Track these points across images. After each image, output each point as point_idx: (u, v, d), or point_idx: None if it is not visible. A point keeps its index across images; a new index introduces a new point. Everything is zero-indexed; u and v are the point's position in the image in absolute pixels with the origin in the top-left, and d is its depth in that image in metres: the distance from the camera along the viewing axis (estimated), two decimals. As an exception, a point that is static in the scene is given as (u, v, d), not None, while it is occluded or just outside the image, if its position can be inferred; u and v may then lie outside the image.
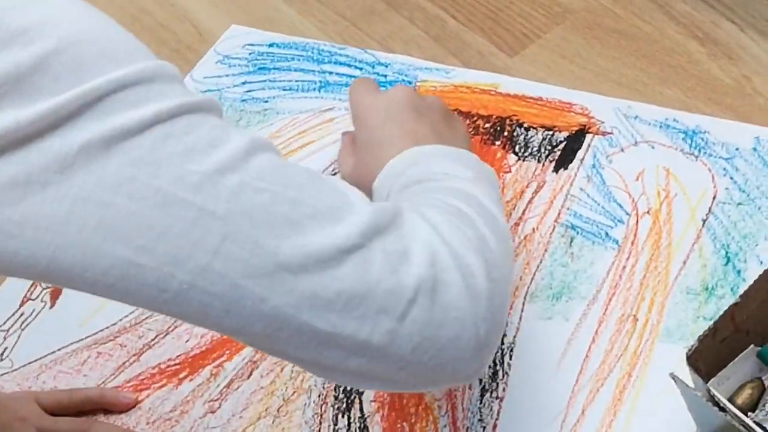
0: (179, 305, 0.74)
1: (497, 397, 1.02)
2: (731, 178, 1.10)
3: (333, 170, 1.22)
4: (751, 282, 0.90)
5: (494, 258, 0.83)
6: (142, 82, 0.74)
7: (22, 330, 1.17)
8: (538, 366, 1.03)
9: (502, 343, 1.05)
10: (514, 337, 1.05)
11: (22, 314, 1.18)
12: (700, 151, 1.13)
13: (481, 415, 1.01)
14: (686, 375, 0.86)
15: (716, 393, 0.85)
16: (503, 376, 1.03)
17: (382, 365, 0.78)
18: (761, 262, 1.04)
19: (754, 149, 1.12)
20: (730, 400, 0.88)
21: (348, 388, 1.06)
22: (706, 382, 0.86)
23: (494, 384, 1.02)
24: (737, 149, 1.12)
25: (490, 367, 1.04)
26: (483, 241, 0.83)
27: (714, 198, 1.09)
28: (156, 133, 0.72)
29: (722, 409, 0.84)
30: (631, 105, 1.19)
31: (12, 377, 1.13)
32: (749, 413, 0.87)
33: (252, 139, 0.76)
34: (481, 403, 1.02)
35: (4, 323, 1.18)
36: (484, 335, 0.79)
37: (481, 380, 1.03)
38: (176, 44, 1.42)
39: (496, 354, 1.04)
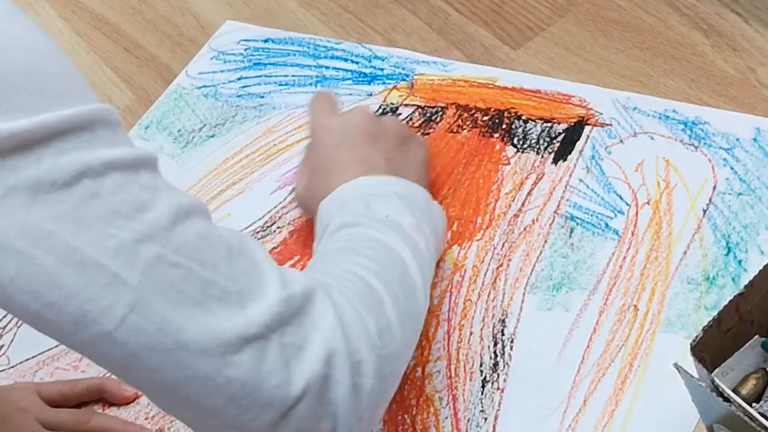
0: (79, 351, 0.76)
1: (498, 388, 1.01)
2: (731, 168, 1.10)
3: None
4: (756, 272, 0.89)
5: (391, 351, 0.85)
6: (78, 128, 0.72)
7: (18, 327, 1.17)
8: (539, 357, 1.02)
9: (503, 334, 1.04)
10: (515, 328, 1.05)
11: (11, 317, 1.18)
12: (699, 141, 1.13)
13: (482, 406, 1.01)
14: (690, 365, 0.85)
15: (720, 384, 0.85)
16: (504, 367, 1.02)
17: None
18: (762, 252, 1.04)
19: (754, 139, 1.12)
20: (735, 390, 0.87)
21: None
22: (711, 373, 0.85)
23: (495, 375, 1.02)
24: (737, 139, 1.12)
25: (491, 358, 1.03)
26: (383, 333, 0.84)
27: (714, 188, 1.09)
28: (83, 189, 0.71)
29: (726, 399, 0.84)
30: (630, 96, 1.19)
31: (8, 375, 1.13)
32: (754, 404, 0.87)
33: (180, 205, 0.75)
34: (482, 394, 1.01)
35: (0, 321, 1.17)
36: (356, 429, 0.82)
37: (482, 371, 1.02)
38: (178, 37, 1.42)
39: (497, 345, 1.04)
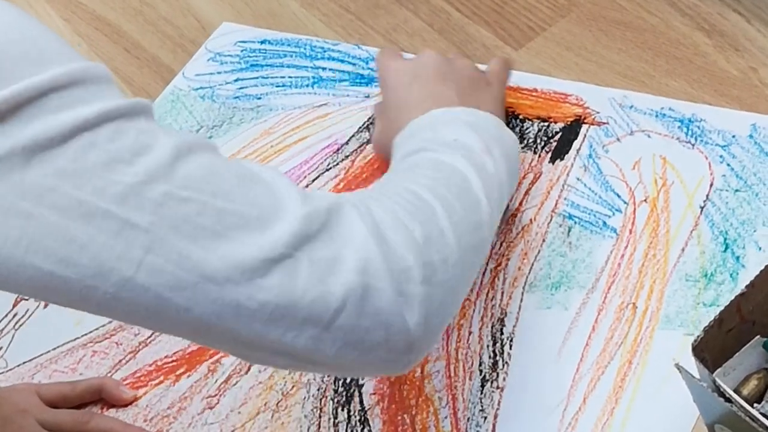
0: (104, 311, 0.75)
1: (498, 387, 1.01)
2: (728, 165, 1.10)
3: (328, 165, 1.22)
4: (758, 273, 0.88)
5: (445, 258, 0.82)
6: (67, 86, 0.72)
7: (16, 330, 1.17)
8: (538, 355, 1.02)
9: (502, 334, 1.04)
10: (514, 327, 1.05)
11: (15, 314, 1.18)
12: (696, 139, 1.13)
13: (482, 406, 1.00)
14: (691, 365, 0.85)
15: (722, 384, 0.84)
16: (503, 366, 1.02)
17: (308, 365, 0.80)
18: (760, 248, 1.04)
19: (750, 136, 1.11)
20: (736, 390, 0.87)
21: (347, 381, 1.05)
22: (712, 373, 0.85)
23: (494, 374, 1.02)
24: (734, 136, 1.12)
25: (490, 357, 1.03)
26: (433, 240, 0.82)
27: (711, 185, 1.09)
28: (79, 141, 0.71)
29: (728, 399, 0.83)
30: (626, 95, 1.18)
31: (6, 377, 1.13)
32: (755, 404, 0.87)
33: (180, 141, 0.74)
34: (481, 393, 1.01)
35: (-1, 323, 1.17)
36: (415, 340, 0.79)
37: (481, 371, 1.02)
38: (179, 38, 1.42)
39: (496, 344, 1.04)
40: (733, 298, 0.88)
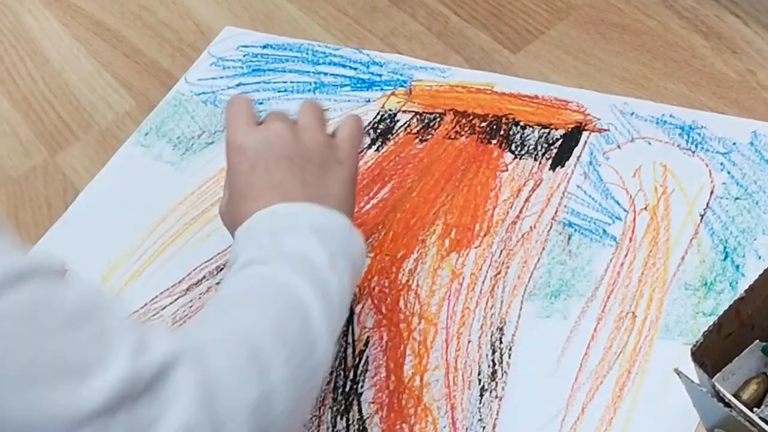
0: None
1: (497, 397, 1.01)
2: (728, 173, 1.09)
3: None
4: (756, 277, 0.88)
5: (278, 415, 0.78)
6: None
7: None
8: (537, 365, 1.02)
9: (501, 342, 1.03)
10: (513, 336, 1.04)
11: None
12: (697, 146, 1.12)
13: (480, 415, 1.00)
14: (691, 371, 0.85)
15: (721, 389, 0.84)
16: (502, 376, 1.02)
17: None
18: (760, 257, 1.03)
19: (751, 143, 1.11)
20: (736, 395, 0.87)
21: (347, 389, 1.04)
22: (711, 378, 0.85)
23: (493, 383, 1.01)
24: (734, 144, 1.11)
25: (489, 366, 1.02)
26: (266, 399, 0.77)
27: (711, 193, 1.08)
28: None
29: (727, 404, 0.83)
30: (627, 101, 1.18)
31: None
32: (755, 408, 0.86)
33: (14, 267, 0.68)
34: (480, 402, 1.00)
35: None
36: None
37: (480, 380, 1.02)
38: (178, 42, 1.42)
39: (495, 353, 1.03)
40: (731, 302, 0.87)
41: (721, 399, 0.83)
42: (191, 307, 1.13)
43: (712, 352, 0.86)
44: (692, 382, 0.84)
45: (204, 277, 1.16)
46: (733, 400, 0.84)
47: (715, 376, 0.87)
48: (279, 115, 1.04)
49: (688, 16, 1.27)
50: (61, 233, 1.23)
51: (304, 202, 0.96)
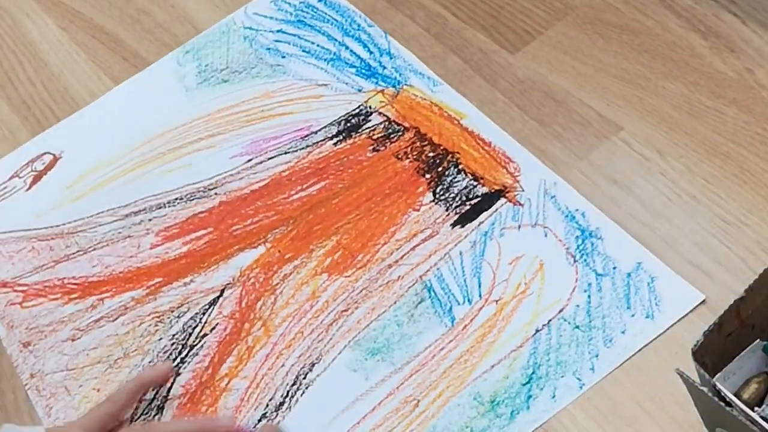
0: None
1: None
2: (588, 296, 1.04)
3: (288, 149, 1.25)
4: (756, 276, 0.86)
5: None
6: None
7: (1, 200, 1.30)
8: (315, 414, 1.04)
9: (305, 378, 1.07)
10: (318, 376, 1.06)
11: (5, 187, 1.31)
12: (581, 256, 1.07)
13: None
14: (692, 370, 0.84)
15: (722, 388, 0.83)
16: (286, 410, 1.05)
17: None
18: (553, 397, 1.00)
19: (629, 274, 1.05)
20: (737, 395, 0.86)
21: (173, 366, 1.12)
22: (712, 377, 0.84)
23: (275, 414, 1.05)
24: (614, 268, 1.06)
25: (282, 395, 1.06)
26: None
27: (561, 311, 1.04)
28: None
29: (728, 404, 0.82)
30: (557, 182, 1.13)
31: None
32: (756, 408, 0.85)
33: None
34: (254, 428, 1.05)
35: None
36: None
37: (267, 405, 1.06)
38: (176, 45, 1.41)
39: (293, 386, 1.07)
40: (732, 302, 0.85)
41: (722, 398, 0.82)
42: (119, 233, 1.24)
43: (713, 351, 0.85)
44: (693, 381, 0.82)
45: (143, 209, 1.24)
46: (734, 399, 0.82)
47: (716, 376, 0.86)
48: None
49: (686, 15, 1.21)
50: (68, 127, 1.35)
51: None
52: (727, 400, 0.79)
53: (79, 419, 1.04)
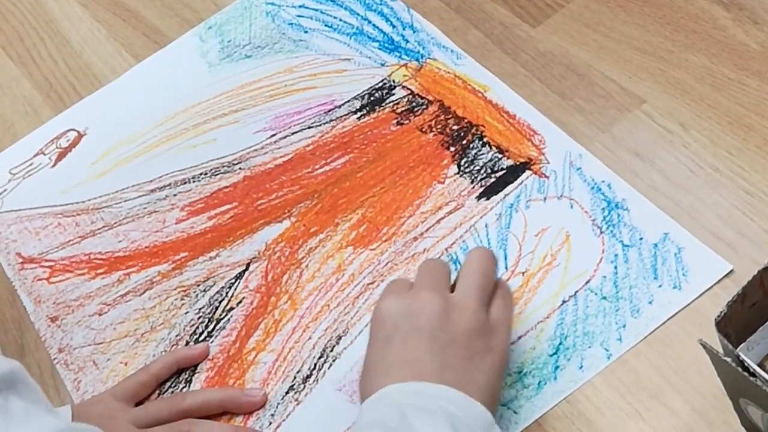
0: None
1: (296, 401, 1.01)
2: (615, 267, 1.02)
3: (312, 123, 1.22)
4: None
5: None
6: None
7: (24, 179, 1.28)
8: (340, 389, 1.01)
9: (332, 351, 1.04)
10: (345, 348, 1.04)
11: (31, 164, 1.29)
12: (607, 227, 1.05)
13: (274, 411, 1.01)
14: (715, 342, 0.81)
15: (746, 358, 0.80)
16: (313, 384, 1.02)
17: None
18: (581, 367, 0.98)
19: (655, 245, 1.03)
20: (760, 365, 0.84)
21: (200, 340, 1.10)
22: (736, 348, 0.81)
23: (302, 386, 1.02)
24: (641, 239, 1.04)
25: (309, 368, 1.04)
26: None
27: (587, 282, 1.02)
28: None
29: (752, 374, 0.80)
30: (582, 154, 1.11)
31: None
32: None
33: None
34: (282, 399, 1.02)
35: (16, 167, 1.30)
36: None
37: (294, 378, 1.04)
38: (197, 22, 1.38)
39: (320, 358, 1.04)
40: (755, 273, 0.83)
41: (745, 369, 0.80)
42: (145, 208, 1.22)
43: (736, 322, 0.83)
44: (717, 352, 0.80)
45: (168, 184, 1.22)
46: (758, 369, 0.80)
47: (740, 346, 0.83)
48: (434, 277, 0.92)
49: (708, -14, 1.17)
50: (92, 104, 1.33)
51: (441, 384, 0.83)
52: (751, 370, 0.77)
53: (110, 389, 1.03)
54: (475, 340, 0.88)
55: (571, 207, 1.06)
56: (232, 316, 1.08)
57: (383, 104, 1.19)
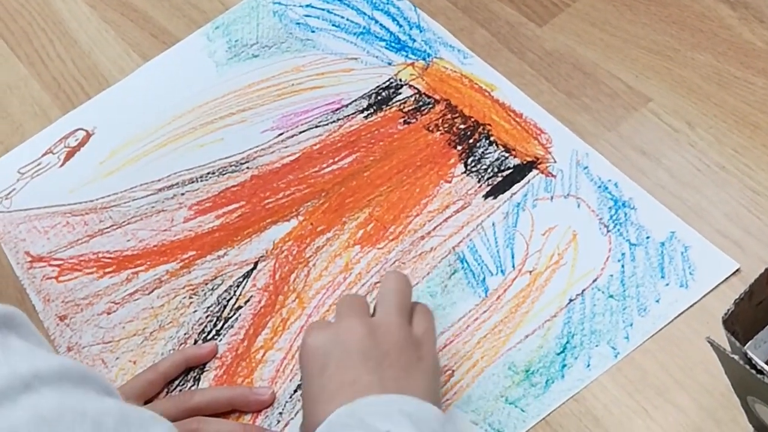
0: None
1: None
2: (622, 266, 1.02)
3: (318, 122, 1.23)
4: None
5: None
6: None
7: (33, 178, 1.28)
8: None
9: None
10: None
11: (39, 164, 1.29)
12: (614, 226, 1.05)
13: (283, 409, 1.02)
14: (722, 340, 0.81)
15: (753, 356, 0.80)
16: None
17: None
18: (588, 366, 0.98)
19: (662, 243, 1.03)
20: None
21: (208, 338, 1.10)
22: (743, 346, 0.81)
23: None
24: (648, 237, 1.03)
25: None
26: None
27: (594, 281, 1.02)
28: None
29: (760, 371, 0.80)
30: (589, 153, 1.11)
31: (0, 218, 1.25)
32: None
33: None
34: (290, 398, 1.02)
35: (24, 167, 1.29)
36: None
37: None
38: (205, 22, 1.37)
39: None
40: (762, 270, 0.83)
41: (753, 366, 0.80)
42: (153, 207, 1.21)
43: (744, 320, 0.83)
44: (724, 350, 0.80)
45: (176, 183, 1.22)
46: (766, 367, 0.80)
47: (747, 344, 0.83)
48: (353, 306, 0.93)
49: (714, -14, 1.17)
50: (101, 103, 1.33)
51: (386, 394, 0.83)
52: (759, 368, 0.77)
53: (119, 387, 1.03)
54: (405, 352, 0.88)
55: (578, 206, 1.05)
56: (240, 314, 1.07)
57: (390, 103, 1.19)
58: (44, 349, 0.64)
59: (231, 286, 1.09)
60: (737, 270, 0.97)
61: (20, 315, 0.65)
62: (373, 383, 0.84)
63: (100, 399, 0.63)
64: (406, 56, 1.23)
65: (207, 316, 1.08)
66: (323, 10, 1.31)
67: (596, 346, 0.96)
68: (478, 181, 1.10)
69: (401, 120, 1.16)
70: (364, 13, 1.28)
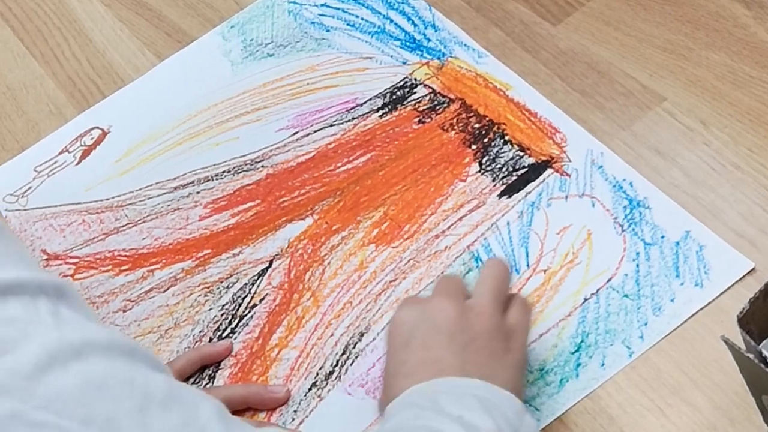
0: None
1: (319, 397, 1.02)
2: (637, 265, 1.02)
3: (333, 121, 1.22)
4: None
5: None
6: None
7: (49, 177, 1.28)
8: (363, 384, 1.01)
9: (354, 348, 1.04)
10: (366, 345, 1.04)
11: (55, 162, 1.29)
12: (629, 225, 1.05)
13: (297, 407, 1.01)
14: (737, 338, 0.81)
15: None
16: (335, 380, 1.02)
17: None
18: (603, 365, 0.98)
19: (677, 243, 1.02)
20: None
21: (223, 336, 1.10)
22: (758, 344, 0.82)
23: (324, 383, 1.02)
24: (662, 237, 1.03)
25: (331, 365, 1.04)
26: None
27: (609, 280, 1.02)
28: None
29: None
30: (604, 153, 1.10)
31: (17, 216, 1.25)
32: None
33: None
34: (305, 395, 1.02)
35: (40, 165, 1.30)
36: None
37: (317, 374, 1.03)
38: (219, 21, 1.37)
39: (343, 355, 1.04)
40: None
41: None
42: (168, 205, 1.21)
43: (759, 318, 0.83)
44: (739, 349, 0.80)
45: (191, 182, 1.22)
46: None
47: (762, 343, 0.83)
48: (449, 287, 0.91)
49: (728, -15, 1.17)
50: (116, 102, 1.33)
51: (466, 377, 0.82)
52: (774, 366, 0.75)
53: None
54: (493, 341, 0.87)
55: (593, 205, 1.05)
56: (255, 312, 1.07)
57: (405, 102, 1.19)
58: (94, 322, 0.64)
59: (246, 284, 1.09)
60: (752, 269, 0.96)
61: (72, 288, 0.65)
62: (454, 366, 0.83)
63: (150, 371, 0.63)
64: (421, 55, 1.23)
65: (222, 314, 1.08)
66: (338, 9, 1.31)
67: (611, 345, 0.96)
68: (493, 180, 1.09)
69: (416, 119, 1.16)
70: (379, 13, 1.28)
